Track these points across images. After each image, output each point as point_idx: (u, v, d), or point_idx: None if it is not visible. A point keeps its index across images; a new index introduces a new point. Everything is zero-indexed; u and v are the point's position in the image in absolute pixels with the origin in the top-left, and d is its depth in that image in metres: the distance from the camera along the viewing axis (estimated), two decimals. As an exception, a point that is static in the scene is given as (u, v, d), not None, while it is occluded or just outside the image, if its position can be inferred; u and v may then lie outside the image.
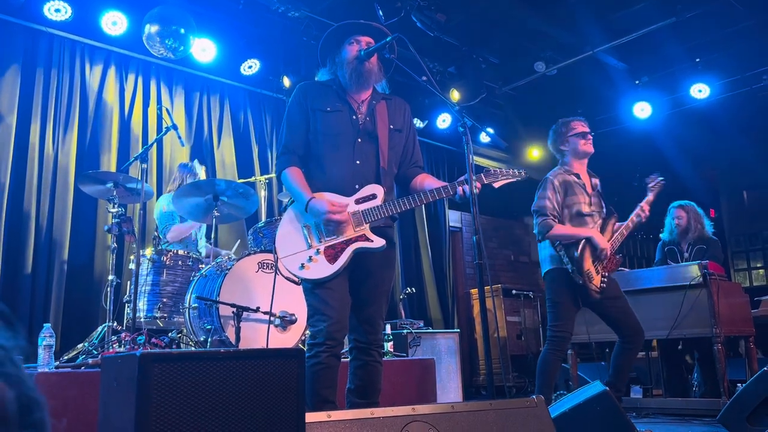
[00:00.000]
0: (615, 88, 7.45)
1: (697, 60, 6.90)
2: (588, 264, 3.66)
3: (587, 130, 3.90)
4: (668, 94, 7.48)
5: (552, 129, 4.00)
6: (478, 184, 2.62)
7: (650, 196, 3.95)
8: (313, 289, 2.53)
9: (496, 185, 2.72)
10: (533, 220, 3.83)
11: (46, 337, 3.23)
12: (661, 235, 5.63)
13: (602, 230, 3.78)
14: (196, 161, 5.14)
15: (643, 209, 3.87)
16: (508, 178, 2.72)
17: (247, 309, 3.74)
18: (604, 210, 3.88)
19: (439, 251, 7.88)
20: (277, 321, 3.91)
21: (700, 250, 5.29)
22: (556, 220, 3.72)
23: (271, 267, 4.01)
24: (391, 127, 2.77)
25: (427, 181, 2.76)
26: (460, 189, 2.58)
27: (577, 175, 3.86)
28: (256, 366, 1.34)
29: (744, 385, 3.40)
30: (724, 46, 6.69)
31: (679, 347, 5.41)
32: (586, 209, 3.80)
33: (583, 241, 3.67)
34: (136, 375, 1.24)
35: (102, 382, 1.50)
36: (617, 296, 3.77)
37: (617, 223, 3.87)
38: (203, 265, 4.34)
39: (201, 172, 5.02)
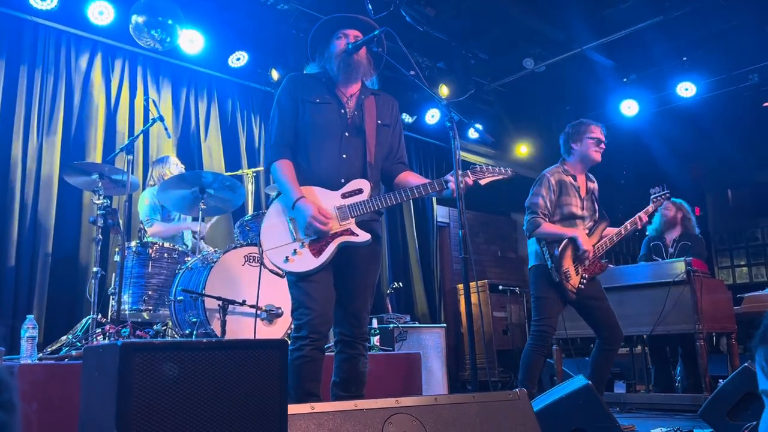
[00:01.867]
0: (603, 86, 7.49)
1: (684, 59, 6.95)
2: (567, 263, 3.68)
3: (603, 138, 3.91)
4: (655, 92, 7.53)
5: (570, 124, 4.00)
6: (466, 180, 2.62)
7: (651, 207, 3.99)
8: (297, 282, 2.53)
9: (483, 182, 2.72)
10: (525, 215, 3.85)
11: (29, 329, 3.20)
12: (647, 230, 5.67)
13: (590, 233, 3.80)
14: (171, 155, 5.11)
15: (640, 218, 3.90)
16: (494, 175, 2.73)
17: (233, 302, 3.73)
18: (597, 214, 3.91)
19: (426, 246, 7.90)
20: (263, 314, 3.91)
21: (684, 246, 5.35)
22: (546, 219, 3.75)
23: (258, 260, 4.00)
24: (379, 122, 2.77)
25: (411, 178, 2.77)
26: (451, 184, 2.58)
27: (574, 177, 3.89)
28: (238, 356, 1.34)
29: (725, 380, 3.44)
30: (710, 45, 6.75)
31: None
32: (577, 211, 3.83)
33: (566, 240, 3.70)
34: (117, 365, 1.23)
35: (83, 372, 1.49)
36: (599, 297, 3.79)
37: (608, 228, 3.89)
38: (189, 258, 4.33)
39: (175, 168, 4.94)
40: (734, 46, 6.67)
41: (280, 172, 2.60)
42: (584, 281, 3.72)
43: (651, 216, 4.02)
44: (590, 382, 2.73)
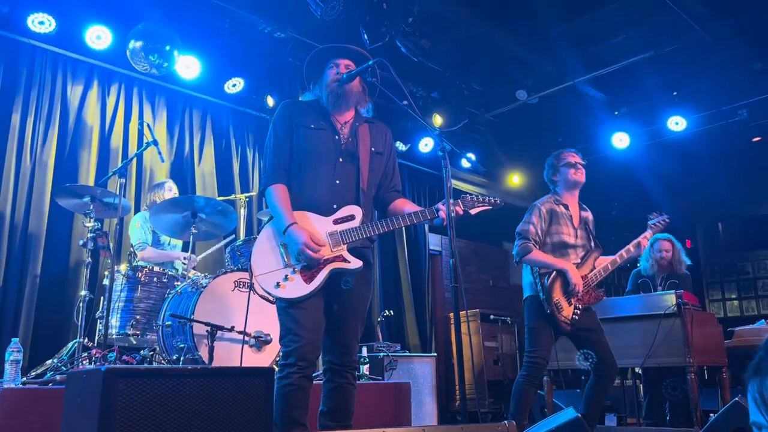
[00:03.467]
0: (594, 118, 7.58)
1: (675, 93, 7.05)
2: (557, 295, 3.66)
3: (578, 160, 3.94)
4: (646, 126, 7.62)
5: (546, 162, 4.08)
6: (457, 210, 2.64)
7: (649, 233, 4.02)
8: (287, 308, 2.51)
9: (473, 212, 2.74)
10: (515, 242, 3.85)
11: (14, 352, 3.16)
12: (639, 265, 5.67)
13: (582, 263, 3.79)
14: (170, 180, 5.11)
15: (640, 243, 3.91)
16: (484, 206, 2.75)
17: (221, 328, 3.69)
18: (591, 243, 3.90)
19: (418, 274, 7.88)
20: (252, 341, 3.87)
21: (673, 284, 5.35)
22: (537, 246, 3.74)
23: (248, 286, 3.98)
24: (373, 149, 2.78)
25: (405, 206, 2.77)
26: (441, 213, 2.59)
27: (566, 206, 3.90)
28: (223, 384, 1.32)
29: (715, 415, 3.42)
30: (700, 80, 6.86)
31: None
32: (570, 240, 3.82)
33: (554, 273, 3.69)
34: (100, 390, 1.21)
35: (66, 397, 1.47)
36: (593, 329, 3.76)
37: (601, 257, 3.88)
38: (179, 282, 4.30)
39: (169, 193, 4.94)
40: (724, 81, 6.78)
41: (275, 197, 2.60)
42: (578, 312, 3.69)
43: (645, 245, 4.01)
44: (579, 415, 2.70)
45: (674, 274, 5.43)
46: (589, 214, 4.01)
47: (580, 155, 3.99)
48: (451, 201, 2.57)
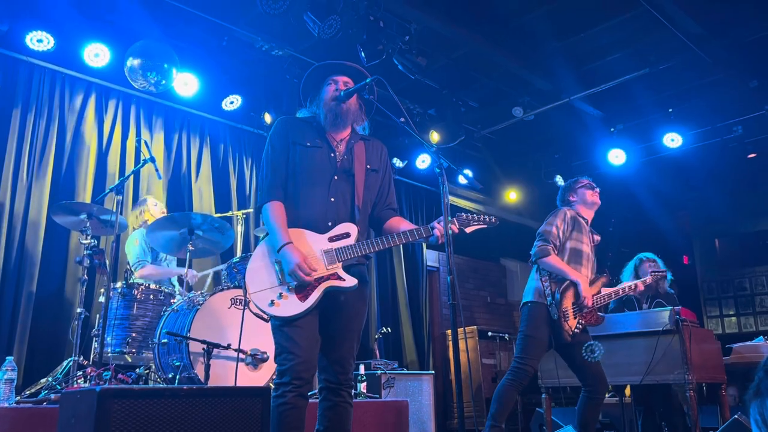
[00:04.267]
0: (590, 135, 7.62)
1: (670, 110, 7.09)
2: (567, 303, 3.70)
3: (594, 185, 4.13)
4: (642, 142, 7.66)
5: (561, 187, 4.25)
6: (452, 228, 2.64)
7: (648, 279, 4.22)
8: (281, 326, 2.49)
9: (468, 231, 2.74)
10: (535, 241, 3.88)
11: (8, 371, 3.13)
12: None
13: (593, 282, 3.86)
14: (150, 196, 5.10)
15: (637, 286, 4.06)
16: (479, 224, 2.75)
17: (217, 346, 3.67)
18: (596, 266, 3.99)
19: (416, 291, 7.86)
20: (249, 359, 3.84)
21: (659, 304, 5.36)
22: (555, 250, 3.79)
23: (244, 303, 3.96)
24: (368, 167, 2.78)
25: (403, 225, 2.76)
26: (436, 231, 2.59)
27: (586, 221, 4.02)
28: (219, 404, 1.31)
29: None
30: (696, 97, 6.91)
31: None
32: (586, 250, 3.90)
33: (569, 281, 3.72)
34: (94, 411, 1.20)
35: (60, 418, 1.45)
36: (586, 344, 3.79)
37: (605, 284, 3.95)
38: (175, 300, 4.28)
39: (154, 208, 4.92)
40: (719, 98, 6.83)
41: (271, 215, 2.60)
42: (580, 327, 3.72)
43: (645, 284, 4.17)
44: (578, 433, 2.69)
45: (659, 295, 5.44)
46: (598, 237, 4.12)
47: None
48: (447, 219, 2.56)
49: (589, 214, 4.09)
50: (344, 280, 2.55)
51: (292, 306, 2.47)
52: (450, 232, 2.58)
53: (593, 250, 3.98)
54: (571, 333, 3.67)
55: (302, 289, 2.50)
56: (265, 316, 2.55)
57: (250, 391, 1.43)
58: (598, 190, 4.13)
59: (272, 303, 2.48)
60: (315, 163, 2.67)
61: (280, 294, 2.49)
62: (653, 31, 5.68)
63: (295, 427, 2.39)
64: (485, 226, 2.76)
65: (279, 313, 2.47)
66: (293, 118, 2.85)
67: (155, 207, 4.93)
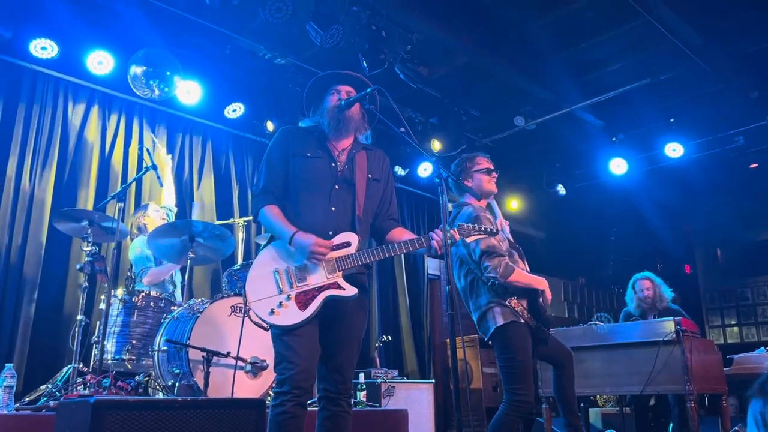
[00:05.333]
0: (592, 144, 7.63)
1: (672, 120, 7.10)
2: (545, 313, 3.37)
3: (492, 167, 3.59)
4: (644, 152, 7.66)
5: (454, 162, 3.67)
6: (453, 234, 2.65)
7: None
8: (281, 335, 2.50)
9: (469, 240, 2.76)
10: (484, 262, 3.28)
11: (7, 378, 3.13)
12: (627, 307, 5.68)
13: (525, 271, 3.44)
14: (152, 202, 5.11)
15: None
16: (479, 234, 2.76)
17: (217, 354, 3.67)
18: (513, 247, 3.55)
19: (416, 299, 7.85)
20: (248, 367, 3.84)
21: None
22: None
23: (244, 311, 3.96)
24: (370, 176, 2.79)
25: (405, 236, 2.77)
26: (434, 242, 2.59)
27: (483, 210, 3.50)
28: (214, 415, 1.31)
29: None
30: (697, 108, 6.92)
31: (651, 403, 5.40)
32: (504, 245, 3.40)
33: (538, 291, 3.32)
34: (88, 423, 1.20)
35: (56, 428, 1.45)
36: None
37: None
38: (175, 307, 4.28)
39: (154, 214, 4.91)
40: (720, 108, 6.84)
41: (270, 216, 2.61)
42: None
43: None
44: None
45: (663, 311, 5.42)
46: (501, 219, 3.61)
47: (492, 161, 3.64)
48: (447, 228, 2.57)
49: (483, 203, 3.50)
50: (344, 289, 2.56)
51: (292, 315, 2.48)
52: (450, 241, 2.59)
53: (504, 235, 3.48)
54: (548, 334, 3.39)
55: (304, 296, 2.51)
56: (265, 325, 2.55)
57: (245, 403, 1.43)
58: (495, 175, 3.56)
59: (272, 312, 2.48)
60: (315, 173, 2.69)
61: (280, 303, 2.49)
62: (655, 41, 5.69)
63: (294, 436, 2.39)
64: (485, 236, 2.77)
65: (279, 322, 2.48)
66: (295, 128, 2.86)
67: (156, 213, 4.93)
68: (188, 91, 5.66)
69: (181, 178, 6.00)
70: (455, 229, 2.69)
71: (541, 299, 3.33)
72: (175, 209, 5.27)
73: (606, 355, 3.84)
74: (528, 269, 3.46)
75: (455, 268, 3.58)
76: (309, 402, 2.54)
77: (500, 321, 3.29)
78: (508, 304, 3.29)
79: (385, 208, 2.86)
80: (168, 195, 5.26)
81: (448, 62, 6.09)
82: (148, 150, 4.53)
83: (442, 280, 8.57)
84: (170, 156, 5.50)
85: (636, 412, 5.52)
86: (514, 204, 8.56)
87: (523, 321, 3.29)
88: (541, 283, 3.32)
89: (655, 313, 5.45)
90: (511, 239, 3.57)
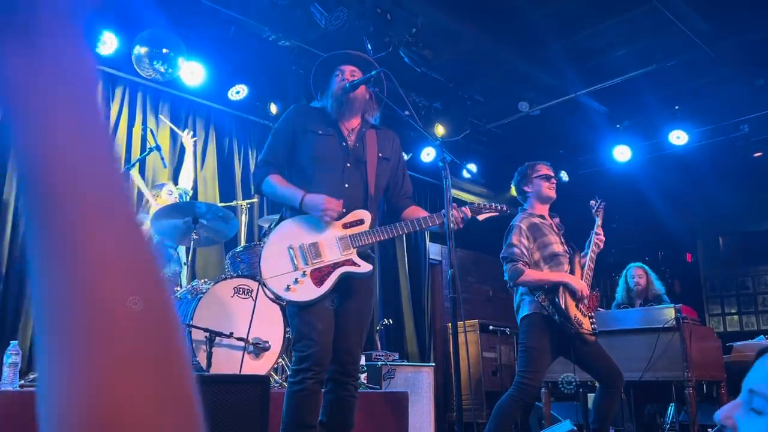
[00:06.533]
0: (596, 131, 7.60)
1: (676, 107, 7.07)
2: (573, 310, 3.52)
3: (551, 174, 3.87)
4: (648, 139, 7.64)
5: (517, 170, 3.99)
6: (459, 215, 2.68)
7: (599, 221, 3.91)
8: (299, 312, 2.51)
9: (480, 218, 2.81)
10: (504, 267, 3.70)
11: (12, 355, 3.17)
12: (617, 297, 5.70)
13: (571, 270, 3.69)
14: (170, 182, 5.11)
15: (597, 234, 3.81)
16: (491, 212, 2.81)
17: (220, 334, 3.70)
18: (568, 248, 3.80)
19: (418, 284, 7.88)
20: (251, 348, 3.87)
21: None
22: (527, 266, 3.60)
23: (247, 292, 3.99)
24: (380, 155, 2.81)
25: (420, 213, 2.80)
26: (453, 215, 2.62)
27: (542, 216, 3.80)
28: (219, 391, 1.33)
29: (713, 430, 3.41)
30: (702, 95, 6.88)
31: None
32: (559, 249, 3.71)
33: (561, 287, 3.53)
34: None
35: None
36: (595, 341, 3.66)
37: (582, 259, 3.78)
38: (178, 288, 4.30)
39: (168, 196, 4.92)
40: (725, 96, 6.80)
41: (275, 183, 2.63)
42: (593, 318, 3.60)
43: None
44: (575, 428, 2.71)
45: (657, 299, 5.45)
46: (558, 220, 3.90)
47: (552, 168, 3.93)
48: (458, 206, 2.61)
49: (543, 210, 3.82)
50: (359, 266, 2.58)
51: (308, 291, 2.49)
52: (461, 216, 2.63)
53: (565, 241, 3.76)
54: (591, 332, 3.55)
55: (319, 272, 2.52)
56: (281, 302, 2.57)
57: (249, 379, 1.45)
58: (555, 181, 3.86)
59: (288, 288, 2.49)
60: (327, 150, 2.71)
61: (296, 279, 2.51)
62: (660, 27, 5.65)
63: (312, 412, 2.41)
64: (497, 213, 2.82)
65: (296, 299, 2.49)
66: (306, 106, 2.89)
67: (169, 195, 4.94)
68: (192, 72, 5.64)
69: (184, 160, 5.99)
70: (467, 206, 2.74)
71: (563, 295, 3.51)
72: (191, 192, 5.27)
73: (606, 341, 3.88)
74: (572, 270, 3.68)
75: None
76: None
77: (527, 311, 3.66)
78: (536, 297, 3.59)
79: (399, 188, 2.89)
80: (186, 177, 5.27)
81: (452, 47, 6.06)
82: (151, 130, 4.53)
83: (443, 265, 8.59)
84: (194, 139, 5.48)
85: (633, 397, 5.55)
86: (517, 190, 8.55)
87: (546, 313, 3.55)
88: (559, 276, 3.56)
89: (641, 301, 5.48)
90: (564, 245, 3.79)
